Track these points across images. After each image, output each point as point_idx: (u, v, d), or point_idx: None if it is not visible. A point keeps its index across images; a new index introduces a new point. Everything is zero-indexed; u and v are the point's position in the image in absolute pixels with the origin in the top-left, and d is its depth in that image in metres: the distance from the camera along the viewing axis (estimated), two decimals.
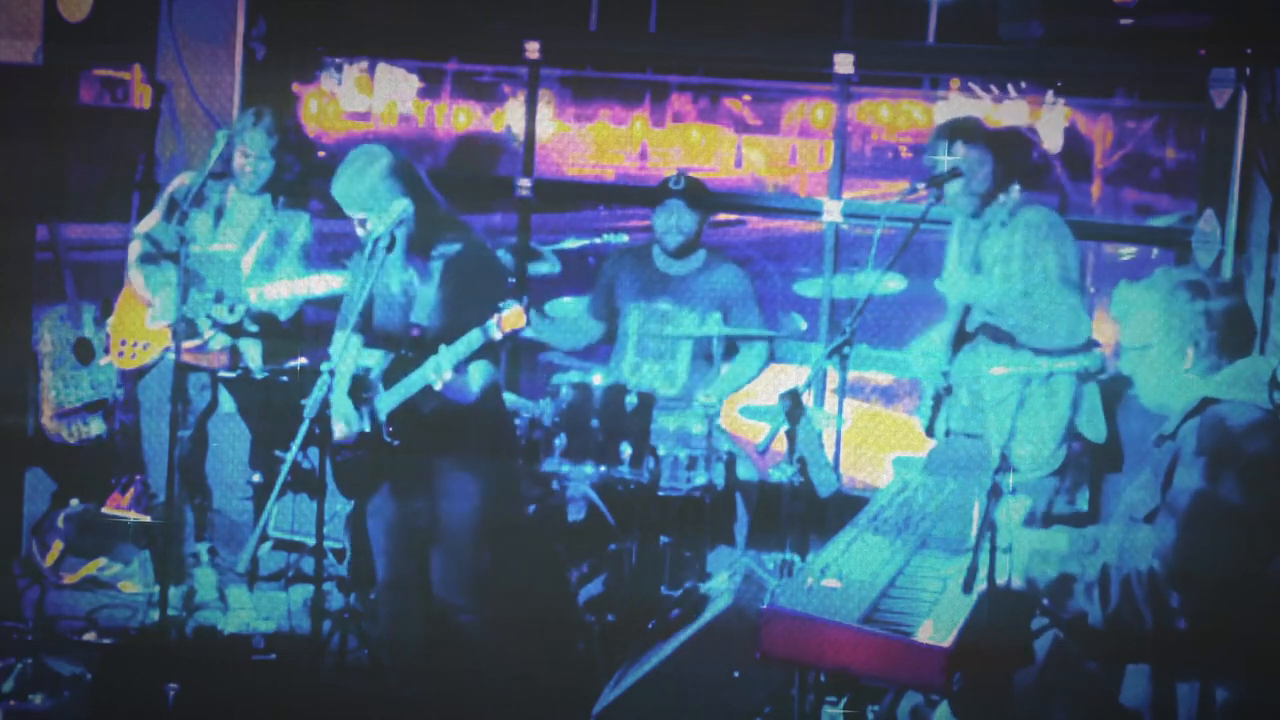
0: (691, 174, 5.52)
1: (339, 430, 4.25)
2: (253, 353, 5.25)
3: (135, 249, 5.28)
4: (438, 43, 6.66)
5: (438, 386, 4.09)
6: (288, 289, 4.99)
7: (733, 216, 7.97)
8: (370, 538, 4.49)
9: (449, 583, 4.38)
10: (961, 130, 4.56)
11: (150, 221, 5.28)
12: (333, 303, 5.71)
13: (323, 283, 4.93)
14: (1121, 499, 3.33)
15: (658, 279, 5.44)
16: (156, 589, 4.85)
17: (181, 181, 5.27)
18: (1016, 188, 4.57)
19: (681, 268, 5.44)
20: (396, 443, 4.24)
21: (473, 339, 3.98)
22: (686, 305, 5.37)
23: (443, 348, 4.04)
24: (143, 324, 5.31)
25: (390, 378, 4.25)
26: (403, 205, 4.13)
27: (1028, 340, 4.39)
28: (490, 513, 4.36)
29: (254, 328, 5.20)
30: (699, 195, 5.40)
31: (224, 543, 5.37)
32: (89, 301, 5.88)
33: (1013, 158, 4.60)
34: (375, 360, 4.37)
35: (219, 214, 5.05)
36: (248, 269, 5.17)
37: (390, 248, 4.01)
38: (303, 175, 5.33)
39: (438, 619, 4.48)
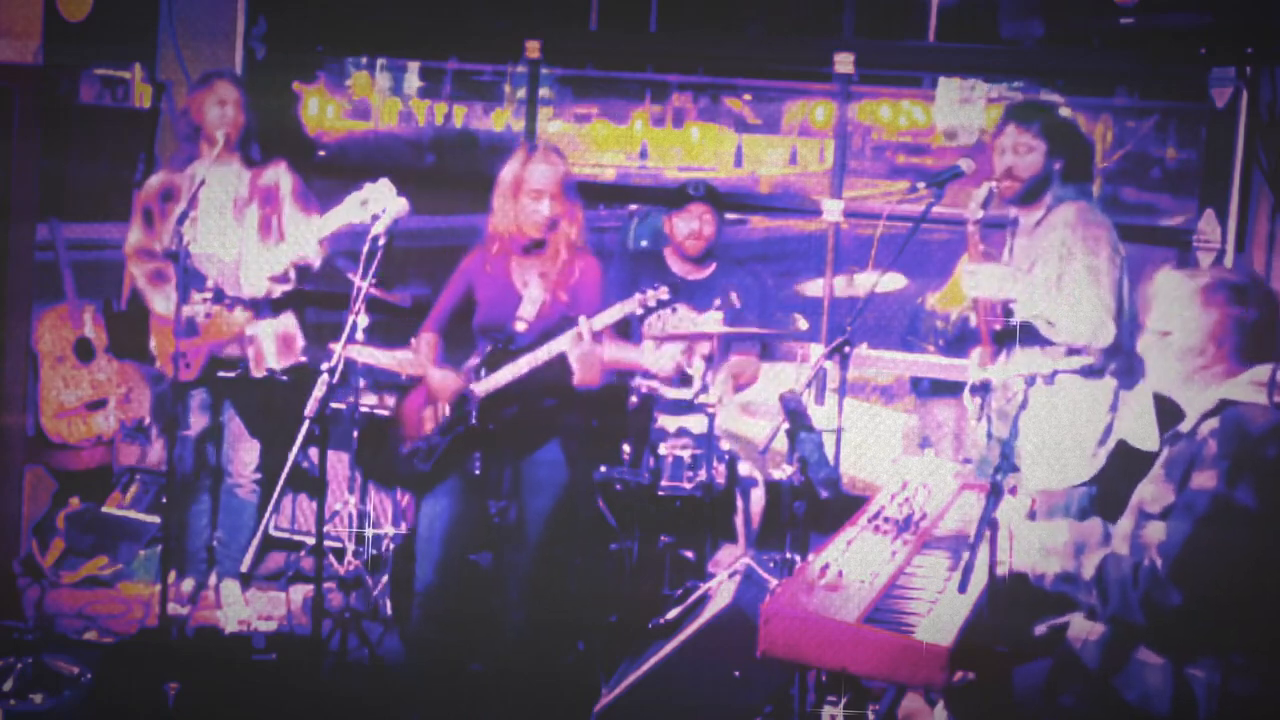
0: (694, 175, 5.54)
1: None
2: (268, 346, 5.20)
3: (140, 269, 5.22)
4: (438, 42, 6.66)
5: (578, 351, 4.32)
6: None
7: (734, 216, 7.98)
8: (424, 538, 4.54)
9: (520, 581, 4.49)
10: (1020, 111, 4.42)
11: (136, 236, 5.22)
12: (332, 301, 5.72)
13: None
14: (1135, 492, 3.33)
15: (675, 284, 5.44)
16: (158, 587, 4.85)
17: (153, 185, 5.21)
18: (1056, 186, 4.38)
19: (696, 273, 5.44)
20: (491, 426, 4.45)
21: (625, 306, 4.32)
22: (703, 309, 5.37)
23: (582, 319, 4.33)
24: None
25: (491, 365, 4.47)
26: (400, 205, 4.16)
27: (1048, 334, 4.30)
28: (572, 507, 4.65)
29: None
30: (718, 201, 5.43)
31: (225, 542, 5.36)
32: (89, 301, 5.89)
33: (1066, 153, 4.39)
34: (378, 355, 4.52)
35: (193, 202, 4.88)
36: (252, 241, 5.13)
37: (389, 246, 4.08)
38: (261, 127, 5.28)
39: (443, 618, 4.52)
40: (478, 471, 4.51)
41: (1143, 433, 4.37)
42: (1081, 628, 3.24)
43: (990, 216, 4.53)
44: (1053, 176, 4.38)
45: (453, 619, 4.57)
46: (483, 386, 4.47)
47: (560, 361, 4.39)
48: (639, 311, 4.41)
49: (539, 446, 4.58)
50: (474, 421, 4.45)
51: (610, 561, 5.12)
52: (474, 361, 4.56)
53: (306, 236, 4.98)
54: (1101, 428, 4.35)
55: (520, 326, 4.51)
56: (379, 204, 4.37)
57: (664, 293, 4.41)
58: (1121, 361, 4.31)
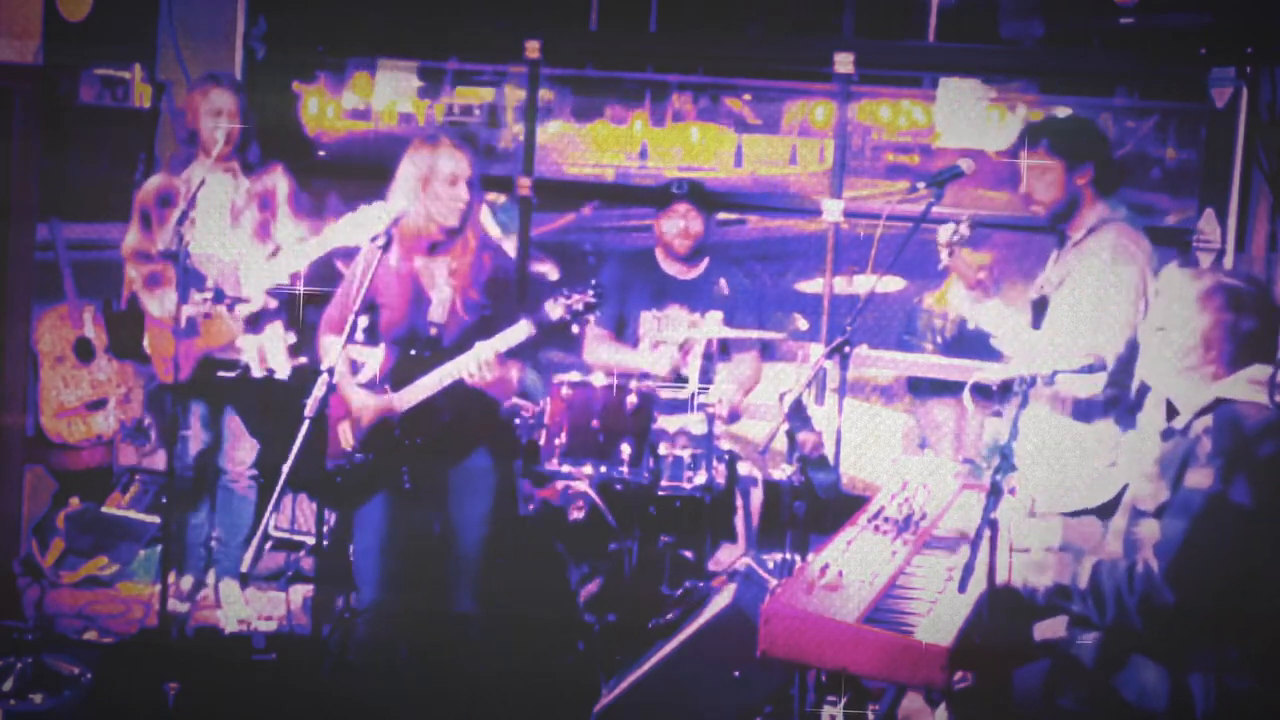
0: (691, 176, 5.53)
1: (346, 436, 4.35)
2: (275, 349, 5.21)
3: (137, 271, 5.23)
4: (438, 42, 6.66)
5: (480, 382, 4.19)
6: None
7: (733, 216, 7.97)
8: (361, 551, 4.52)
9: (465, 588, 4.47)
10: (1029, 133, 4.24)
11: (133, 238, 5.24)
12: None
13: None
14: (1128, 490, 3.33)
15: (666, 284, 5.45)
16: (158, 587, 4.86)
17: (150, 188, 5.23)
18: (1095, 203, 4.20)
19: (688, 272, 5.44)
20: (418, 439, 4.34)
21: (521, 329, 4.15)
22: (697, 309, 5.38)
23: (479, 344, 4.18)
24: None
25: (399, 377, 4.31)
26: (400, 206, 4.16)
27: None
28: (498, 512, 4.54)
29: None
30: (703, 198, 5.42)
31: (224, 540, 5.36)
32: (89, 301, 5.89)
33: (1094, 161, 4.19)
34: (373, 359, 4.43)
35: (192, 203, 4.81)
36: (246, 244, 5.13)
37: (386, 248, 4.05)
38: (261, 128, 5.29)
39: (435, 623, 4.52)
40: (408, 485, 4.43)
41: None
42: (1077, 632, 3.25)
43: (1019, 218, 4.47)
44: (1080, 194, 4.21)
45: (403, 633, 4.53)
46: (403, 400, 4.34)
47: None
48: (566, 318, 4.20)
49: (467, 455, 4.51)
50: (398, 434, 4.36)
51: (609, 561, 5.12)
52: (386, 369, 4.45)
53: (300, 254, 4.97)
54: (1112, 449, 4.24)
55: (433, 331, 4.38)
56: (375, 228, 4.35)
57: (590, 296, 4.20)
58: (1126, 400, 4.19)
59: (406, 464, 4.40)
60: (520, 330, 4.21)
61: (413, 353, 4.37)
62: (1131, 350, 4.08)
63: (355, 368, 4.47)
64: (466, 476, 4.50)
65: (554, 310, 4.20)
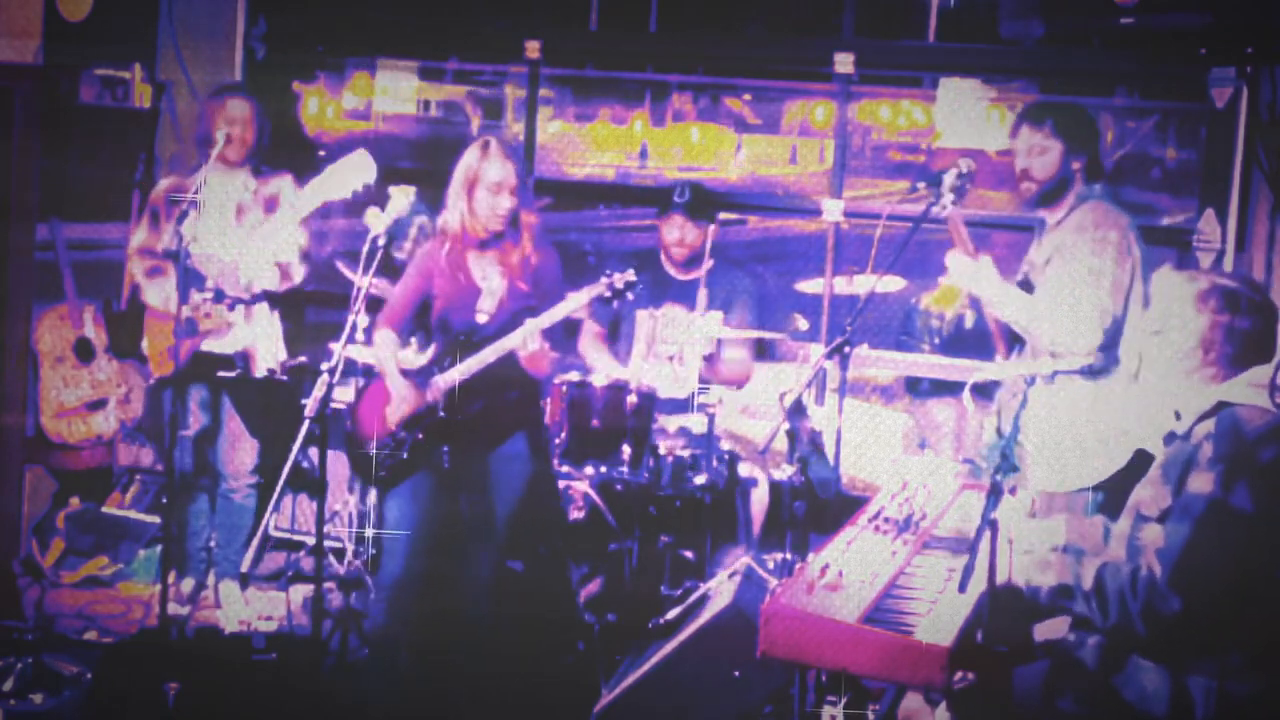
0: (693, 180, 5.54)
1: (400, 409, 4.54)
2: (267, 345, 5.21)
3: (139, 264, 5.25)
4: (438, 42, 6.66)
5: (524, 353, 4.38)
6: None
7: (733, 216, 7.98)
8: (392, 530, 4.60)
9: (484, 580, 4.57)
10: (1033, 112, 4.32)
11: (141, 235, 5.26)
12: (332, 300, 5.73)
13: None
14: (1132, 494, 3.32)
15: (667, 283, 5.45)
16: (158, 587, 4.85)
17: (164, 187, 5.24)
18: (1080, 186, 4.28)
19: (690, 273, 5.45)
20: (459, 417, 4.48)
21: (591, 290, 4.41)
22: (697, 309, 5.38)
23: (529, 320, 4.38)
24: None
25: (448, 364, 4.50)
26: (402, 205, 4.18)
27: (1029, 338, 4.30)
28: (534, 504, 4.67)
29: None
30: (704, 206, 5.43)
31: (222, 544, 5.36)
32: (89, 301, 5.88)
33: (1087, 151, 4.27)
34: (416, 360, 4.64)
35: (194, 203, 4.82)
36: (244, 240, 5.14)
37: (388, 247, 4.11)
38: (275, 139, 5.32)
39: (443, 618, 4.54)
40: (447, 465, 4.54)
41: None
42: (1078, 634, 3.25)
43: (1019, 218, 4.49)
44: (1072, 177, 4.29)
45: (420, 612, 4.58)
46: (444, 379, 4.50)
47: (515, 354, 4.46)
48: (606, 294, 4.45)
49: (504, 440, 4.61)
50: (442, 414, 4.49)
51: (609, 561, 5.12)
52: (434, 356, 4.60)
53: (290, 215, 4.99)
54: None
55: (482, 319, 4.54)
56: (359, 178, 4.47)
57: (630, 275, 4.45)
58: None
59: (448, 443, 4.52)
60: (566, 305, 4.42)
61: (461, 338, 4.52)
62: (1124, 310, 4.14)
63: (406, 373, 4.60)
64: (505, 461, 4.60)
65: (597, 287, 4.45)
